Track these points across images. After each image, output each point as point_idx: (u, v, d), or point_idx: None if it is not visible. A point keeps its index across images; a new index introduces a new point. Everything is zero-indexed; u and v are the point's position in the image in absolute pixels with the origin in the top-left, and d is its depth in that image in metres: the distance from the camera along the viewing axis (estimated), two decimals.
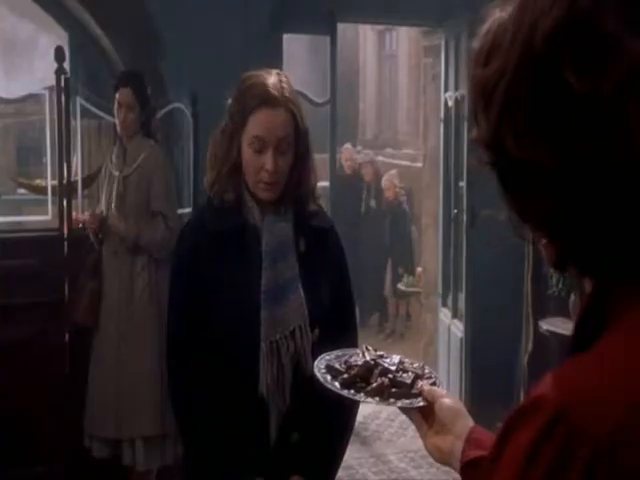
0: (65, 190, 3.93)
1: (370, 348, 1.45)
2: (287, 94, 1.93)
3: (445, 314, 5.65)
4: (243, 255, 1.96)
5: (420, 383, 1.31)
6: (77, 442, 3.61)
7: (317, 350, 1.69)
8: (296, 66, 4.73)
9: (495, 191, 0.71)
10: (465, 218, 5.09)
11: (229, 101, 1.97)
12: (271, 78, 1.94)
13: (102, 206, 3.70)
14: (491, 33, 0.68)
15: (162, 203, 3.58)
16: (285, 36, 4.87)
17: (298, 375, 1.95)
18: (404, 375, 1.34)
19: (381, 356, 1.42)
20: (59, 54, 3.86)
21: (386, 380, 1.32)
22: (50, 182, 4.34)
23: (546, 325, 4.31)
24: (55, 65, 3.84)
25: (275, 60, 4.70)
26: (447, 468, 1.26)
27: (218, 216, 1.97)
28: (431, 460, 1.62)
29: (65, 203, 3.90)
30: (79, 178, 4.41)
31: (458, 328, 5.27)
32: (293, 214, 2.00)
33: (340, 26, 5.23)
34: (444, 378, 5.60)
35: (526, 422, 0.64)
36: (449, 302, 5.59)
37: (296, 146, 1.95)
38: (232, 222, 1.96)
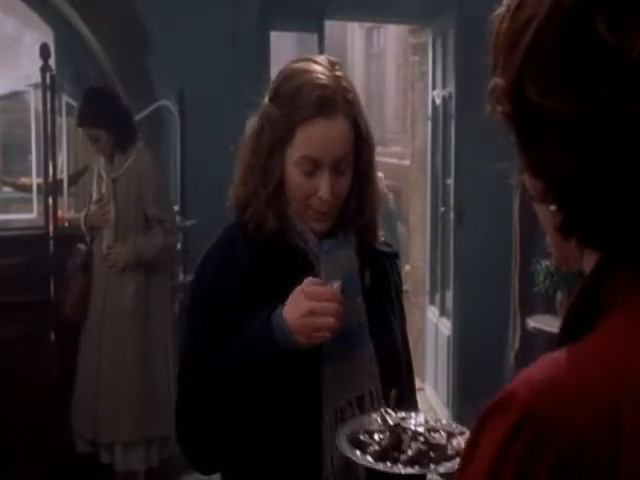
0: (50, 188, 3.90)
1: (390, 411, 1.29)
2: (348, 95, 1.46)
3: (433, 312, 5.66)
4: None
5: (455, 441, 1.22)
6: (63, 442, 3.59)
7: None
8: (283, 64, 4.70)
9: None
10: (452, 216, 5.09)
11: (265, 100, 1.49)
12: (325, 73, 1.45)
13: (92, 207, 3.66)
14: None
15: (157, 209, 3.54)
16: (272, 33, 4.87)
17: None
18: (436, 436, 1.23)
19: (403, 418, 1.27)
20: (44, 51, 3.83)
21: (423, 447, 1.22)
22: (35, 180, 4.31)
23: (533, 322, 4.32)
24: (40, 62, 3.81)
25: (262, 58, 4.69)
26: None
27: (255, 245, 1.48)
28: None
29: (51, 201, 3.87)
30: (64, 176, 4.39)
31: (445, 326, 5.27)
32: (356, 238, 1.55)
33: (328, 24, 5.22)
34: (431, 376, 5.60)
35: (496, 421, 0.63)
36: (437, 300, 5.60)
37: (357, 160, 1.49)
38: (276, 252, 1.48)
